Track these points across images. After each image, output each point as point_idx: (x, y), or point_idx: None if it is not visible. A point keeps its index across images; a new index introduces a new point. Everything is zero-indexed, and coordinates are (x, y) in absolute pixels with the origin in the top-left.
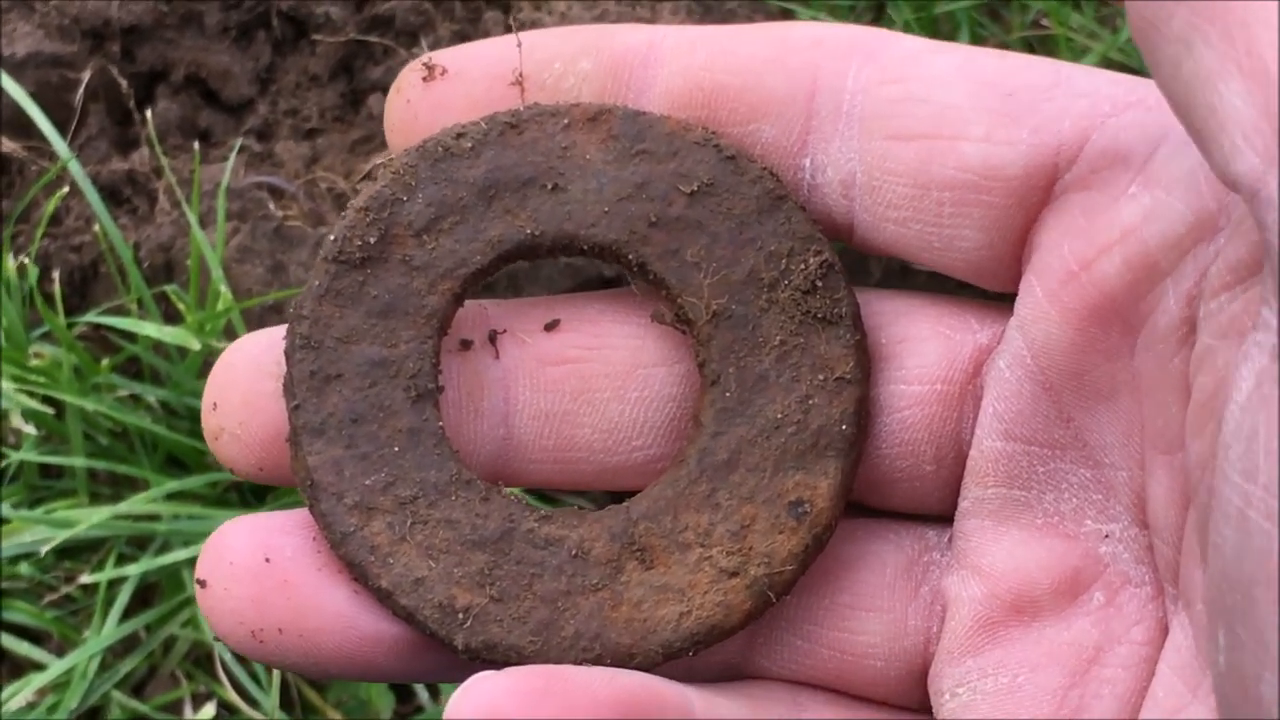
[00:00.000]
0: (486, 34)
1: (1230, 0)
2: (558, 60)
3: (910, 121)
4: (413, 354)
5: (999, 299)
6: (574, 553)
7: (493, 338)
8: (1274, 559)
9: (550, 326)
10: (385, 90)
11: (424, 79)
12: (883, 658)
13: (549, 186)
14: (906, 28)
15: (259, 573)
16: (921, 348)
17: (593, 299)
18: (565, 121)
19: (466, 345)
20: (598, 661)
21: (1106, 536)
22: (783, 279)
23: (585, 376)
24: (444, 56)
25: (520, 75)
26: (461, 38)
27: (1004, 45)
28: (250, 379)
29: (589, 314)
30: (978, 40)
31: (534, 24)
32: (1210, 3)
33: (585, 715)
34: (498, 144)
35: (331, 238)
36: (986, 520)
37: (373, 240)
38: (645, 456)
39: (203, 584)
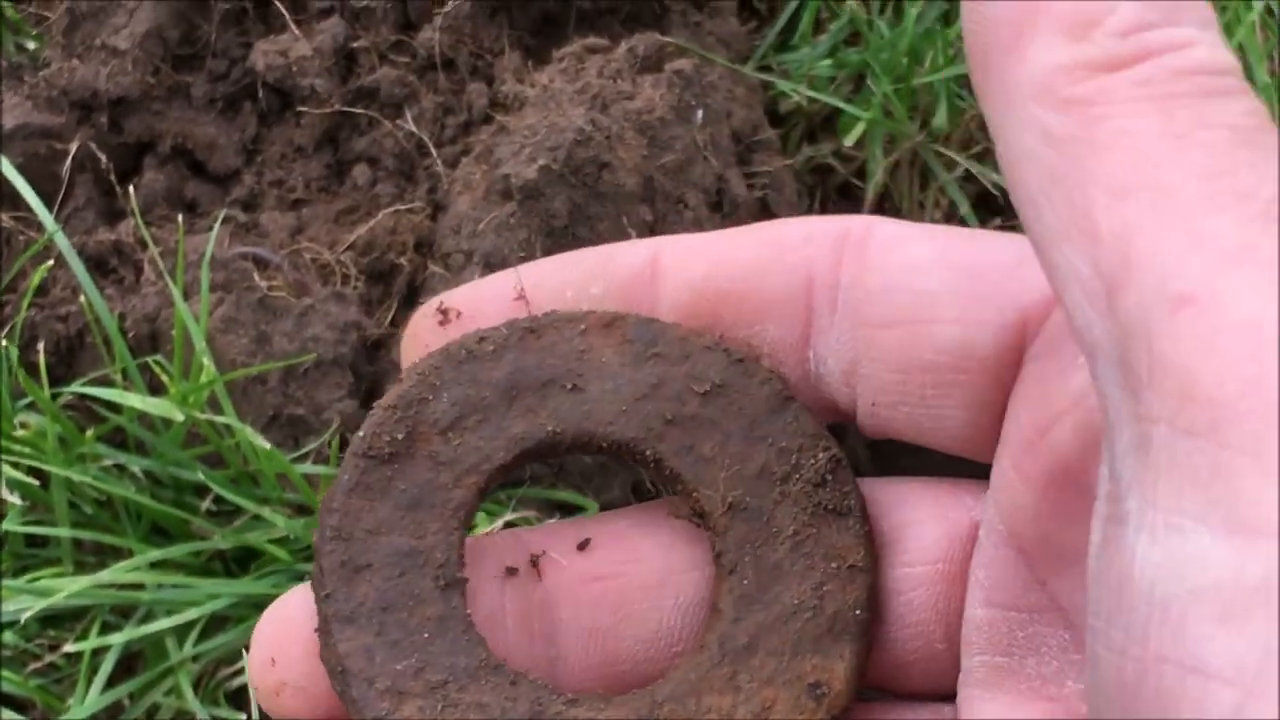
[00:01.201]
0: (470, 106)
1: (1079, 165)
2: (569, 288)
3: (890, 309)
4: (440, 544)
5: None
6: None
7: (535, 562)
8: (1113, 684)
9: (583, 546)
10: (370, 161)
11: (440, 323)
12: None
13: (568, 387)
14: (886, 99)
15: None
16: (921, 531)
17: (619, 515)
18: (582, 327)
19: (512, 572)
20: None
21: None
22: (794, 473)
23: (622, 590)
24: (455, 298)
25: (521, 290)
26: (445, 110)
27: (978, 117)
28: (309, 629)
29: (618, 529)
30: (955, 113)
31: (516, 96)
32: (1060, 168)
33: None
34: (518, 347)
35: (360, 434)
36: (975, 689)
37: (400, 437)
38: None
39: None
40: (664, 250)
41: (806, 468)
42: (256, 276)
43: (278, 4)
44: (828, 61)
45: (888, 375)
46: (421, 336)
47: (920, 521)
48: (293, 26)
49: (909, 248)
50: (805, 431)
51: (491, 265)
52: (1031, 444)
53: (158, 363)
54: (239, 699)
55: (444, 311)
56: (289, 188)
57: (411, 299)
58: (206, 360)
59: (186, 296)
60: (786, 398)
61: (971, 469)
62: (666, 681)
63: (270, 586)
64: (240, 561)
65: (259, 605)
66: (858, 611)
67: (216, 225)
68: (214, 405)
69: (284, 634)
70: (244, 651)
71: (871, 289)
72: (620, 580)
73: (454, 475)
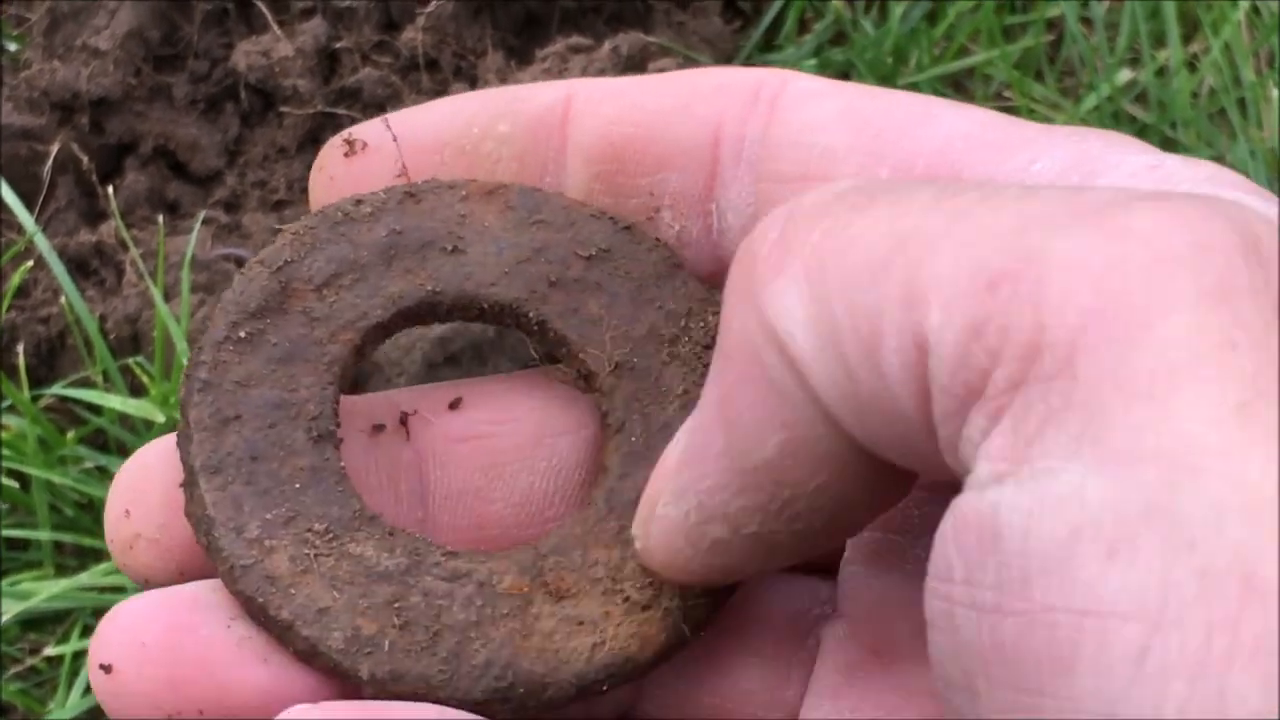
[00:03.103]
0: None
1: None
2: (475, 125)
3: (790, 164)
4: (313, 398)
5: None
6: (482, 584)
7: (404, 419)
8: (985, 644)
9: (454, 405)
10: None
11: (345, 154)
12: (764, 706)
13: (449, 249)
14: None
15: (175, 652)
16: None
17: (496, 379)
18: (463, 193)
19: (379, 429)
20: (510, 691)
21: None
22: (683, 335)
23: (493, 451)
24: (364, 131)
25: (395, 137)
26: None
27: None
28: (168, 479)
29: (493, 390)
30: None
31: None
32: None
33: None
34: (397, 211)
35: (232, 289)
36: (859, 565)
37: (273, 291)
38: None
39: (108, 668)
40: (577, 92)
41: (696, 330)
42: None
43: (259, 4)
44: (812, 61)
45: None
46: (326, 168)
47: None
48: (275, 27)
49: (817, 103)
50: (694, 295)
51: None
52: None
53: (139, 364)
54: None
55: (350, 143)
56: (271, 189)
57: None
58: (187, 362)
59: (168, 298)
60: (675, 264)
61: None
62: (551, 535)
63: None
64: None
65: None
66: None
67: (197, 226)
68: None
69: (141, 485)
70: None
71: (774, 143)
72: (491, 440)
73: (329, 330)
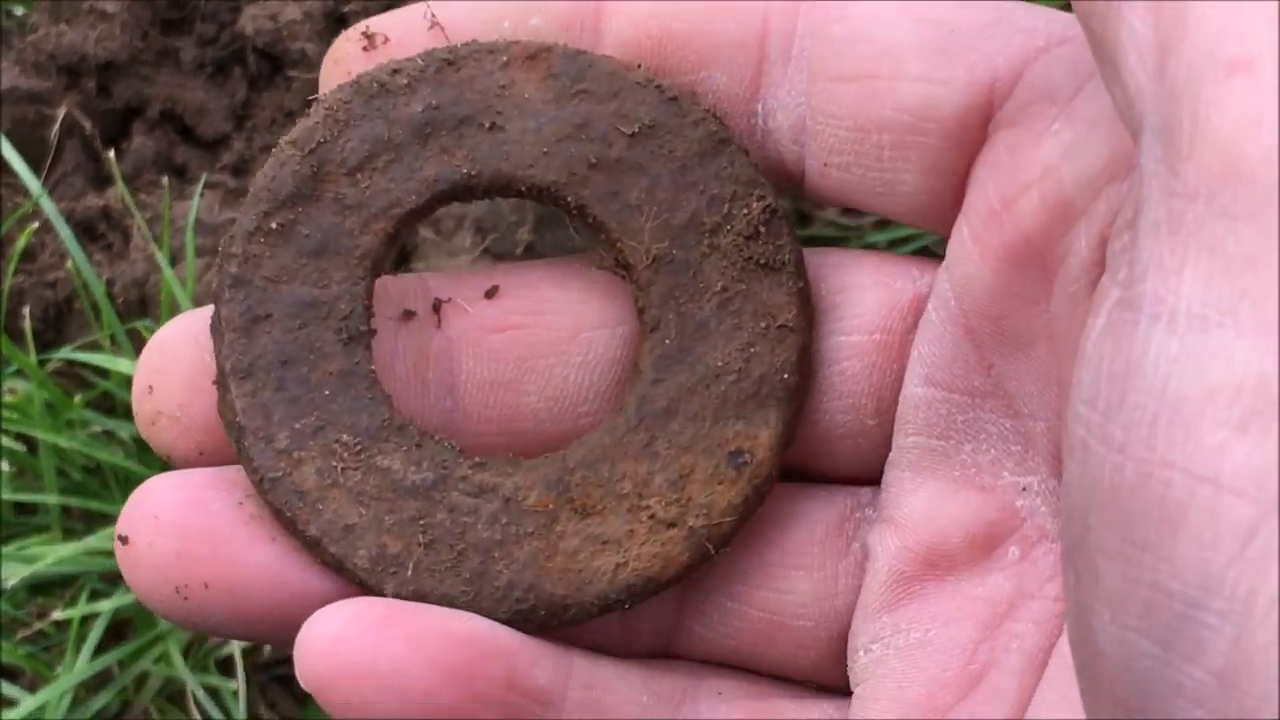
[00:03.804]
0: None
1: None
2: (506, 18)
3: (852, 62)
4: (345, 295)
5: None
6: (508, 500)
7: (437, 307)
8: (1105, 482)
9: (490, 294)
10: None
11: (364, 48)
12: (811, 618)
13: (486, 126)
14: None
15: (185, 526)
16: (861, 296)
17: (533, 266)
18: (504, 59)
19: (409, 316)
20: (531, 613)
21: (1024, 489)
22: (725, 224)
23: (528, 343)
24: (382, 23)
25: (434, 19)
26: None
27: None
28: (190, 357)
29: (530, 280)
30: None
31: None
32: None
33: (432, 646)
34: (434, 81)
35: (263, 173)
36: (906, 471)
37: (305, 176)
38: (591, 422)
39: (124, 540)
40: None
41: (739, 218)
42: None
43: None
44: None
45: (842, 133)
46: (344, 63)
47: (861, 287)
48: None
49: None
50: (740, 178)
51: (483, 230)
52: (995, 215)
53: (147, 328)
54: (228, 667)
55: (369, 36)
56: None
57: (402, 263)
58: (220, 251)
59: (174, 262)
60: (722, 139)
61: None
62: (580, 445)
63: None
64: None
65: None
66: (786, 375)
67: (199, 190)
68: None
69: (163, 361)
70: None
71: (832, 38)
72: (526, 331)
73: (361, 220)
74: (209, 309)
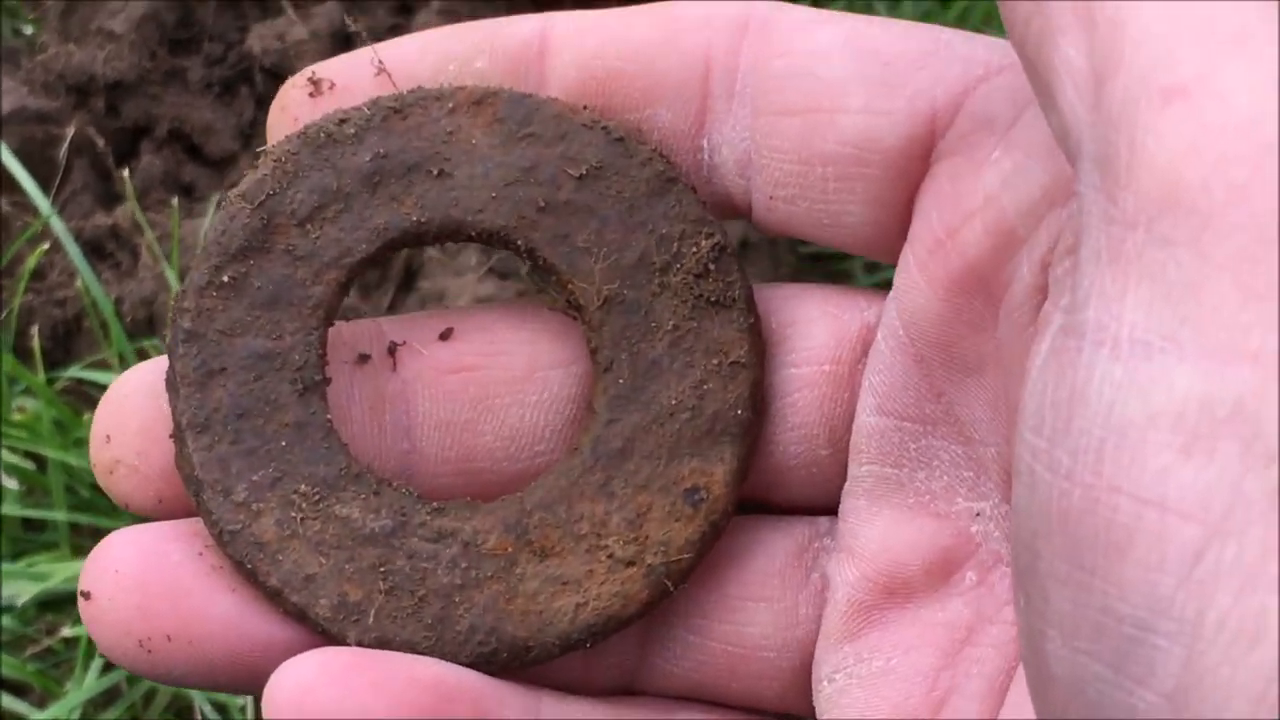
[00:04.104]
0: None
1: None
2: (452, 61)
3: (794, 96)
4: (299, 345)
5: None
6: (467, 545)
7: (392, 350)
8: (1052, 508)
9: (445, 336)
10: None
11: (310, 94)
12: (774, 649)
13: (434, 172)
14: None
15: (146, 580)
16: (810, 329)
17: (487, 309)
18: (450, 105)
19: (364, 359)
20: (494, 655)
21: (978, 515)
22: (674, 262)
23: (483, 383)
24: (329, 69)
25: (381, 66)
26: None
27: None
28: (146, 407)
29: (484, 322)
30: None
31: None
32: None
33: (399, 692)
34: (381, 129)
35: (213, 227)
36: (861, 500)
37: (255, 229)
38: (547, 461)
39: (87, 595)
40: (554, 25)
41: (688, 256)
42: None
43: None
44: None
45: (788, 166)
46: (291, 109)
47: (809, 319)
48: (289, 10)
49: (815, 32)
50: (688, 216)
51: (486, 247)
52: (939, 244)
53: (155, 346)
54: None
55: (315, 82)
56: None
57: (409, 284)
58: (171, 306)
59: (182, 280)
60: (669, 179)
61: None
62: (536, 487)
63: None
64: None
65: None
66: (739, 411)
67: (211, 208)
68: None
69: (121, 410)
70: None
71: (774, 74)
72: (482, 372)
73: (313, 270)
74: (164, 359)
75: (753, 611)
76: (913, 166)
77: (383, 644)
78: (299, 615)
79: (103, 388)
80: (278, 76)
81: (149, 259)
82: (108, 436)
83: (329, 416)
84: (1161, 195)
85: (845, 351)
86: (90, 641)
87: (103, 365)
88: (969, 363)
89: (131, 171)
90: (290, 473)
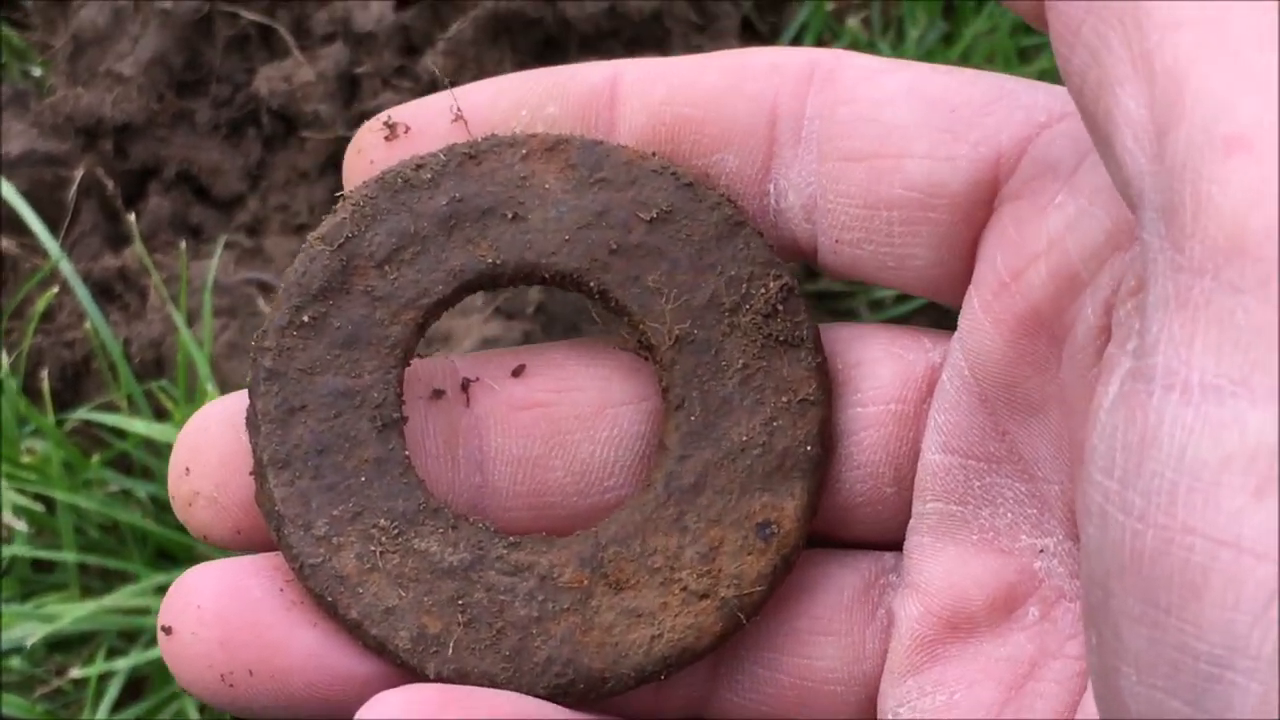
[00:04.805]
0: None
1: (1135, 3)
2: (524, 107)
3: (860, 142)
4: (377, 384)
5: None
6: (543, 578)
7: (465, 385)
8: (1125, 549)
9: (517, 372)
10: None
11: (386, 138)
12: (842, 682)
13: (509, 216)
14: None
15: (228, 615)
16: (876, 369)
17: (558, 345)
18: (523, 151)
19: (439, 395)
20: (570, 686)
21: (1041, 551)
22: (743, 303)
23: (555, 419)
24: (403, 113)
25: (459, 113)
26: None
27: None
28: (226, 439)
29: (555, 359)
30: None
31: None
32: (1118, 8)
33: None
34: (457, 174)
35: (294, 268)
36: (926, 537)
37: (334, 271)
38: (617, 496)
39: (168, 630)
40: (625, 72)
41: (757, 297)
42: (261, 302)
43: (281, 30)
44: None
45: (853, 210)
46: (366, 152)
47: (875, 360)
48: (296, 52)
49: (880, 80)
50: (756, 259)
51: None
52: (1004, 286)
53: (163, 389)
54: None
55: (391, 126)
56: (293, 213)
57: None
58: (211, 386)
59: (191, 322)
60: (737, 223)
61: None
62: (611, 522)
63: None
64: None
65: None
66: (809, 447)
67: (218, 251)
68: None
69: (200, 443)
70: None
71: (840, 120)
72: (553, 409)
73: (391, 311)
74: (243, 394)
75: (821, 645)
76: (977, 211)
77: (461, 675)
78: (379, 648)
79: (112, 430)
80: (285, 118)
81: (157, 300)
82: (187, 469)
83: (407, 453)
84: (1228, 243)
85: (911, 391)
86: (99, 682)
87: (111, 407)
88: (1033, 402)
89: (139, 213)
90: (369, 507)
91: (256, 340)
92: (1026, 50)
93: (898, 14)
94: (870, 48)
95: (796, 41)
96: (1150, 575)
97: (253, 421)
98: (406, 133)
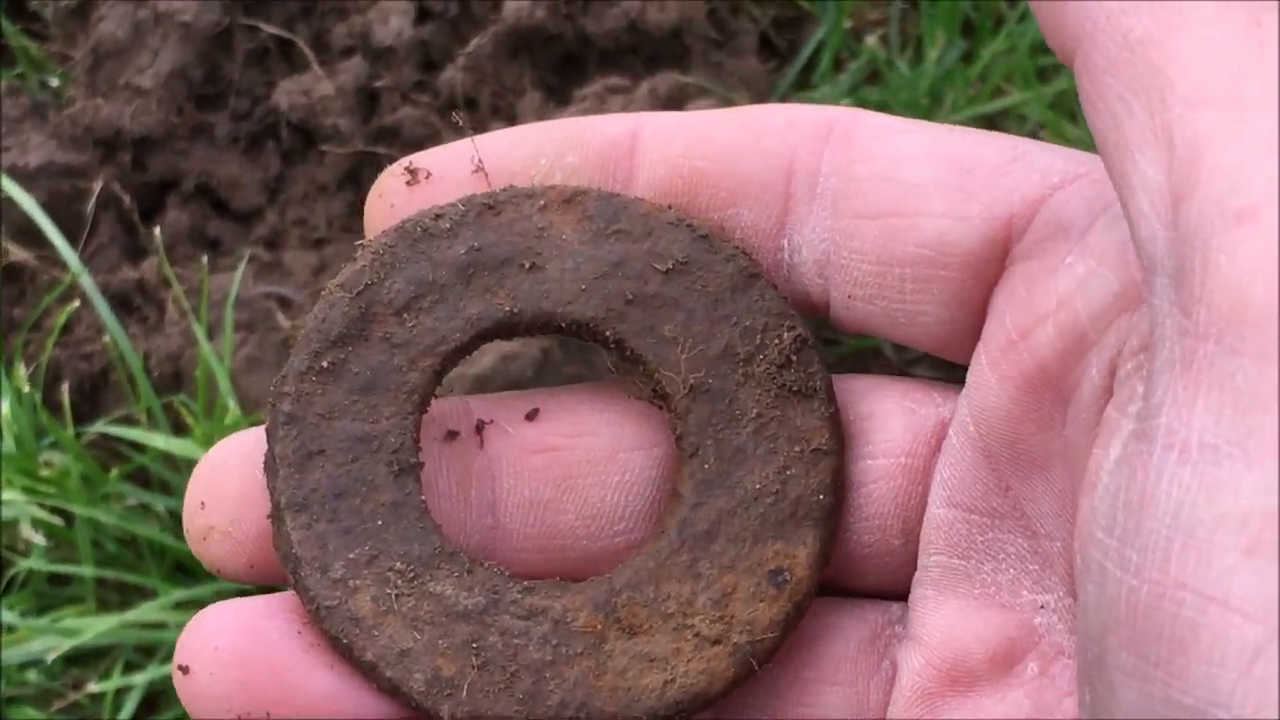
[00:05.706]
0: None
1: (1160, 74)
2: (543, 156)
3: (875, 200)
4: (394, 429)
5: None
6: (557, 622)
7: (479, 428)
8: (1121, 604)
9: (531, 416)
10: None
11: (407, 183)
12: None
13: (526, 265)
14: None
15: (246, 656)
16: (887, 422)
17: (572, 390)
18: (541, 202)
19: (452, 436)
20: None
21: (1042, 607)
22: (758, 354)
23: (567, 464)
24: (425, 160)
25: (479, 163)
26: None
27: None
28: (242, 474)
29: (569, 403)
30: None
31: None
32: (1145, 78)
33: None
34: (475, 224)
35: (313, 315)
36: (929, 590)
37: (354, 318)
38: (627, 541)
39: (185, 670)
40: (645, 125)
41: (771, 348)
42: (280, 316)
43: (301, 44)
44: (847, 100)
45: (866, 267)
46: (387, 197)
47: (886, 413)
48: (316, 66)
49: (897, 139)
50: (770, 310)
51: None
52: (1012, 344)
53: (182, 403)
54: None
55: (412, 172)
56: (312, 226)
57: None
58: (231, 401)
59: (210, 336)
60: (752, 275)
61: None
62: (625, 568)
63: None
64: None
65: None
66: (821, 496)
67: (241, 266)
68: None
69: (217, 478)
70: None
71: (856, 178)
72: (566, 453)
73: (409, 358)
74: (259, 429)
75: (826, 695)
76: (988, 269)
77: (475, 718)
78: (393, 690)
79: (130, 443)
80: (303, 131)
81: (175, 313)
82: (202, 503)
83: (423, 498)
84: (1231, 310)
85: (921, 445)
86: (116, 696)
87: (130, 420)
88: (1036, 459)
89: (158, 226)
90: (385, 551)
91: (275, 385)
92: (1045, 70)
93: (916, 32)
94: (888, 66)
95: (814, 59)
96: (1143, 629)
97: (271, 465)
98: (428, 178)
